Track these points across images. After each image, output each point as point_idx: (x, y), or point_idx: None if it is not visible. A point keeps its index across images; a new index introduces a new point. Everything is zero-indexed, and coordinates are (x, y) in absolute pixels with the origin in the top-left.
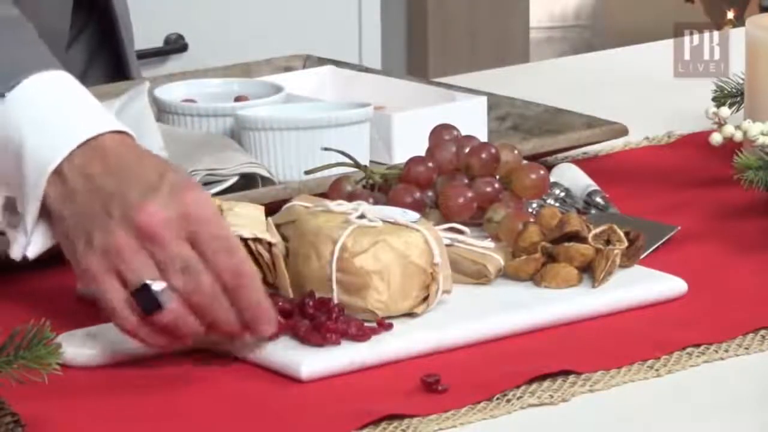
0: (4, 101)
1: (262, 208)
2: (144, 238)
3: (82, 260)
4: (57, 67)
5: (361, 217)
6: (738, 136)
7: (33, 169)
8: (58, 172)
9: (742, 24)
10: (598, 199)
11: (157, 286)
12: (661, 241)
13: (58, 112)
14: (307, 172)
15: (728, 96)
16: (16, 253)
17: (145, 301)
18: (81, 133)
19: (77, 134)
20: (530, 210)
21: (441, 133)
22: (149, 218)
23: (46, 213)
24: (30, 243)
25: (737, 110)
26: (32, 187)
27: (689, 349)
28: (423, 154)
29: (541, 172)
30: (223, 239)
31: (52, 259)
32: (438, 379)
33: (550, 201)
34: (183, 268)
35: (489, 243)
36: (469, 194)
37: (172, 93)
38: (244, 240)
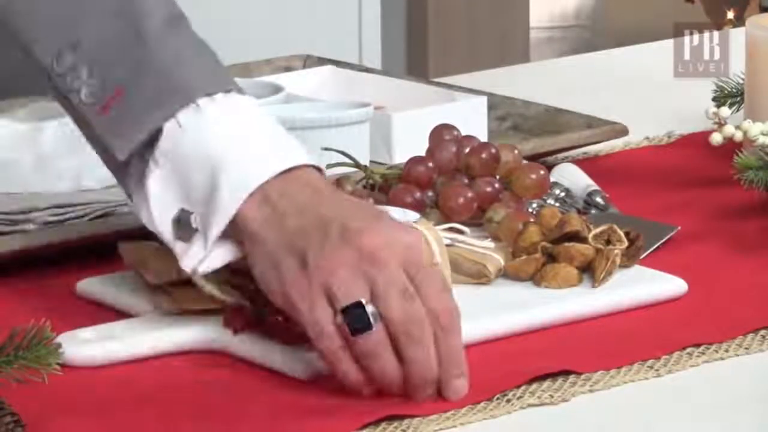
0: (199, 111)
1: None
2: (365, 259)
3: (290, 280)
4: (240, 89)
5: None
6: (738, 136)
7: (230, 184)
8: (261, 193)
9: (742, 24)
10: (598, 199)
11: (369, 307)
12: (661, 241)
13: (257, 133)
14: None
15: (728, 96)
16: (187, 266)
17: (355, 318)
18: (286, 159)
19: (283, 159)
20: (530, 210)
21: (441, 133)
22: (372, 240)
23: (228, 232)
24: (207, 258)
25: (737, 110)
26: (225, 203)
27: (689, 349)
28: (423, 154)
29: (541, 172)
30: (440, 280)
31: (52, 259)
32: None
33: (550, 201)
34: (402, 293)
35: (489, 243)
36: (469, 194)
37: None
38: None
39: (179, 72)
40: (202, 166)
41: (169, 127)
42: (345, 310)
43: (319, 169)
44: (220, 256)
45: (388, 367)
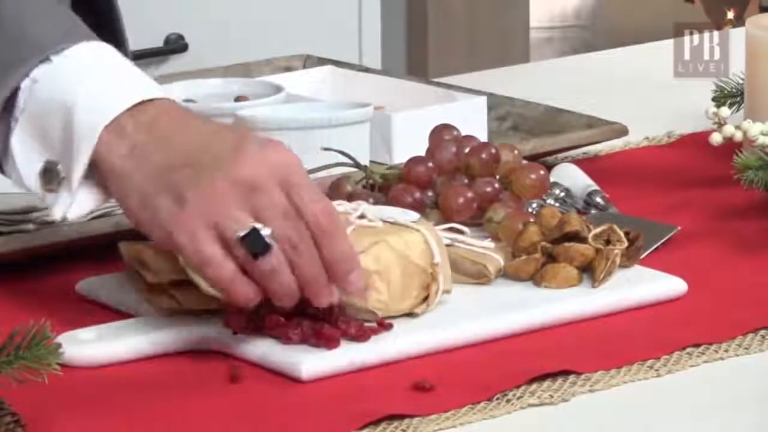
0: (52, 64)
1: None
2: (244, 186)
3: (168, 218)
4: (99, 40)
5: (361, 217)
6: (738, 136)
7: (84, 125)
8: (116, 127)
9: (742, 24)
10: (598, 199)
11: (265, 230)
12: (661, 241)
13: (110, 75)
14: (307, 172)
15: (728, 96)
16: (57, 214)
17: (254, 243)
18: (136, 94)
19: (133, 94)
20: (530, 210)
21: (441, 133)
22: (248, 166)
23: (93, 175)
24: (74, 203)
25: (737, 110)
26: (82, 142)
27: (689, 349)
28: (423, 154)
29: (541, 172)
30: (314, 187)
31: (52, 259)
32: (432, 385)
33: (550, 201)
34: (284, 214)
35: (489, 243)
36: (469, 194)
37: (172, 93)
38: None
39: (29, 30)
40: (57, 111)
41: (23, 84)
42: (244, 237)
43: (173, 102)
44: (87, 200)
45: (289, 281)
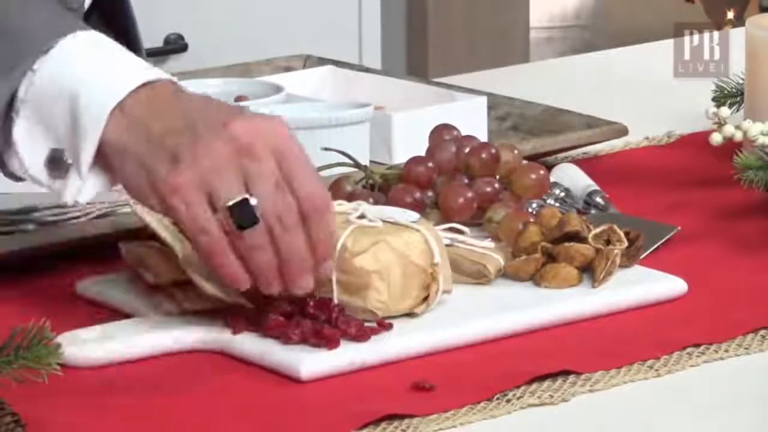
0: (50, 56)
1: None
2: (240, 150)
3: (164, 179)
4: (89, 29)
5: (361, 217)
6: (738, 136)
7: (91, 109)
8: (120, 108)
9: (742, 24)
10: (598, 199)
11: (254, 200)
12: (661, 241)
13: (111, 61)
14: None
15: (728, 96)
16: (69, 198)
17: (243, 215)
18: (139, 77)
19: (136, 77)
20: (530, 210)
21: (441, 133)
22: (244, 132)
23: (100, 160)
24: (84, 187)
25: (737, 110)
26: (90, 126)
27: (689, 349)
28: (423, 154)
29: (541, 172)
30: (309, 164)
31: (52, 258)
32: (432, 385)
33: (550, 201)
34: (276, 185)
35: (489, 243)
36: (469, 194)
37: None
38: None
39: (23, 24)
40: (61, 99)
41: (24, 78)
42: (233, 206)
43: (176, 83)
44: (97, 183)
45: (269, 260)
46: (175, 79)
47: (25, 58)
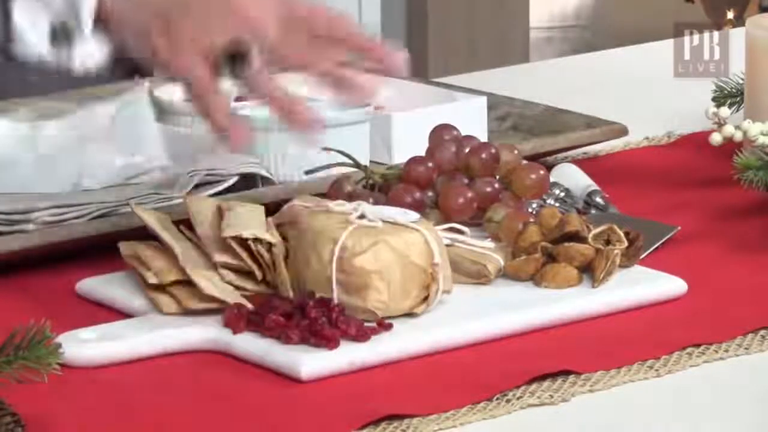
0: None
1: (262, 208)
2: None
3: (167, 26)
4: None
5: (361, 217)
6: (738, 136)
7: None
8: None
9: (742, 24)
10: (598, 199)
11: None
12: (661, 241)
13: None
14: (307, 172)
15: (728, 96)
16: (76, 65)
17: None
18: None
19: None
20: (530, 210)
21: (441, 133)
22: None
23: (98, 27)
24: (94, 51)
25: (737, 110)
26: None
27: (689, 349)
28: (423, 154)
29: (541, 172)
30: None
31: (52, 259)
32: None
33: (550, 201)
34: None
35: (489, 243)
36: (469, 194)
37: (172, 93)
38: (244, 240)
39: None
40: None
41: None
42: (232, 57)
43: None
44: (100, 47)
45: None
46: None
47: None
